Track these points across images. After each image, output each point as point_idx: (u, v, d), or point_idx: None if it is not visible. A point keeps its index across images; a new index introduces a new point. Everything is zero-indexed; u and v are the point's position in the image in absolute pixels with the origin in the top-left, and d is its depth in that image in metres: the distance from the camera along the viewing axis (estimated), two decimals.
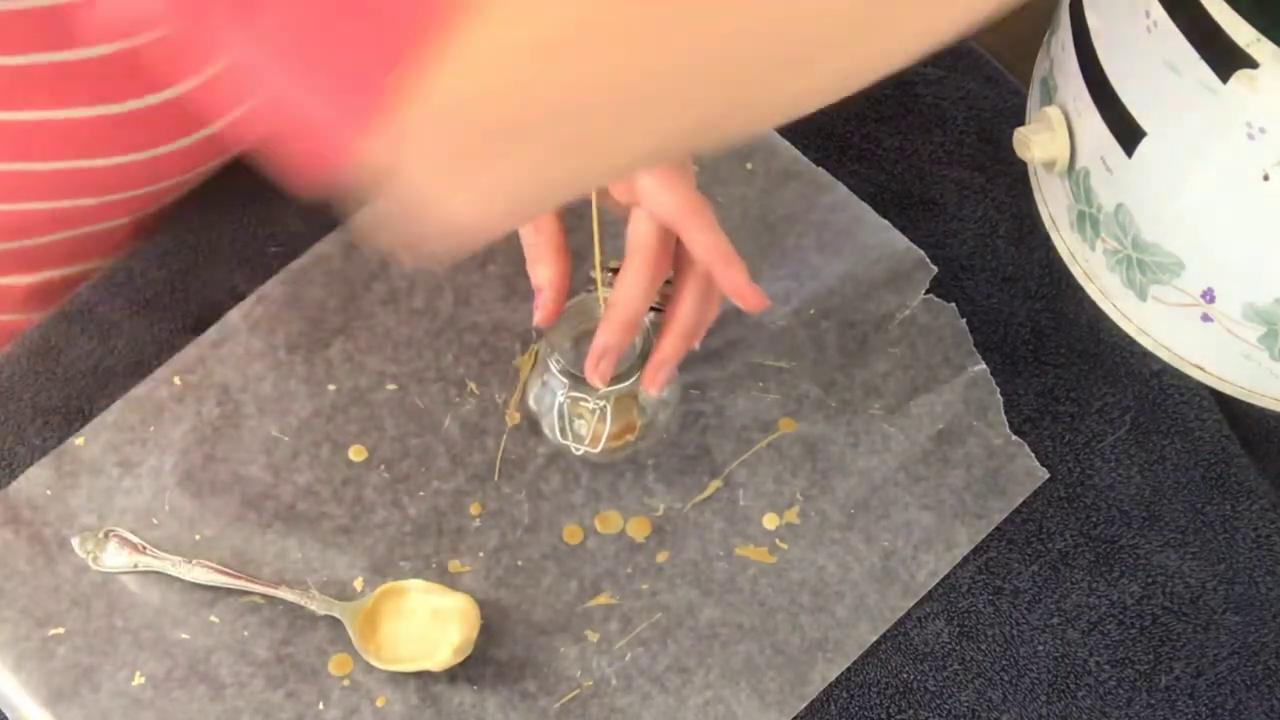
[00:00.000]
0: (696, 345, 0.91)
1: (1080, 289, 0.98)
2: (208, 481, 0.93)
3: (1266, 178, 0.82)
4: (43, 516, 0.92)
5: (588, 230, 0.87)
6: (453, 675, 0.90)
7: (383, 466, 0.94)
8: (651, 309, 0.92)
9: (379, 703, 0.89)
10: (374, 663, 0.89)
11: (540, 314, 0.89)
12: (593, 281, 0.90)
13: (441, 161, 0.55)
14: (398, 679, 0.89)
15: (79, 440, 0.94)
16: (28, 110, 0.88)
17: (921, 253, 1.01)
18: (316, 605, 0.90)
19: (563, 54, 0.53)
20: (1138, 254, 0.91)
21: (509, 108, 0.54)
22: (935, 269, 1.01)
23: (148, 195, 0.99)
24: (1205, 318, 0.90)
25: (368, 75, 0.53)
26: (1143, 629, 0.93)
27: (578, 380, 0.89)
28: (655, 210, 0.86)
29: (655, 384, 0.89)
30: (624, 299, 0.86)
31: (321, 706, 0.89)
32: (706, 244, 0.86)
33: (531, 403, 0.95)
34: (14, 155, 0.91)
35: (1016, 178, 1.03)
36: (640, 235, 0.87)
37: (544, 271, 0.89)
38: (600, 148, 0.57)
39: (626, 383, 0.89)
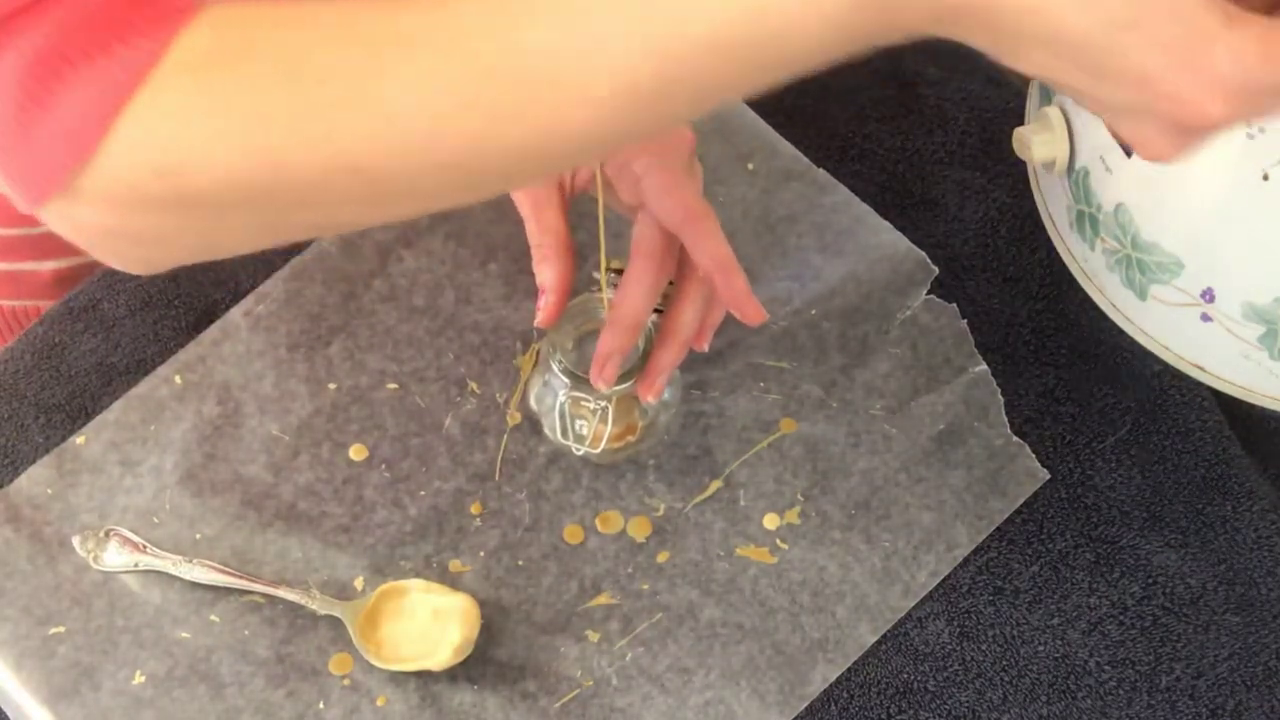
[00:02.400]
0: (705, 347, 0.91)
1: (1081, 289, 0.98)
2: (208, 480, 0.93)
3: (1266, 178, 0.82)
4: (44, 515, 0.92)
5: (590, 229, 0.88)
6: (453, 675, 0.90)
7: (383, 466, 0.94)
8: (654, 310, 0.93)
9: (379, 702, 0.89)
10: (374, 662, 0.89)
11: (542, 315, 0.89)
12: (597, 282, 0.90)
13: (115, 218, 0.63)
14: (398, 678, 0.89)
15: (80, 439, 0.94)
16: None
17: (922, 253, 1.01)
18: (317, 605, 0.90)
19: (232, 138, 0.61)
20: (1137, 254, 0.91)
21: (183, 179, 0.61)
22: (936, 269, 1.01)
23: None
24: (1205, 317, 0.90)
25: (46, 154, 0.61)
26: (1143, 629, 0.93)
27: (579, 380, 0.89)
28: (659, 215, 0.86)
29: (653, 391, 0.89)
30: (628, 302, 0.86)
31: (322, 706, 0.89)
32: (709, 252, 0.86)
33: (532, 402, 0.95)
34: None
35: (1018, 178, 1.03)
36: (645, 238, 0.87)
37: (548, 272, 0.89)
38: (273, 220, 0.65)
39: (628, 383, 0.89)
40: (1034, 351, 0.99)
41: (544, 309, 0.89)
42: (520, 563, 0.93)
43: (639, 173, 0.86)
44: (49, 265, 1.05)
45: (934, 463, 0.96)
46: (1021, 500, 0.95)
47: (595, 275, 0.91)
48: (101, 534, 0.92)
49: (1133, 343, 0.97)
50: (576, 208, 0.91)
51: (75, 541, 0.92)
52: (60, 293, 1.07)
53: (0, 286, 1.06)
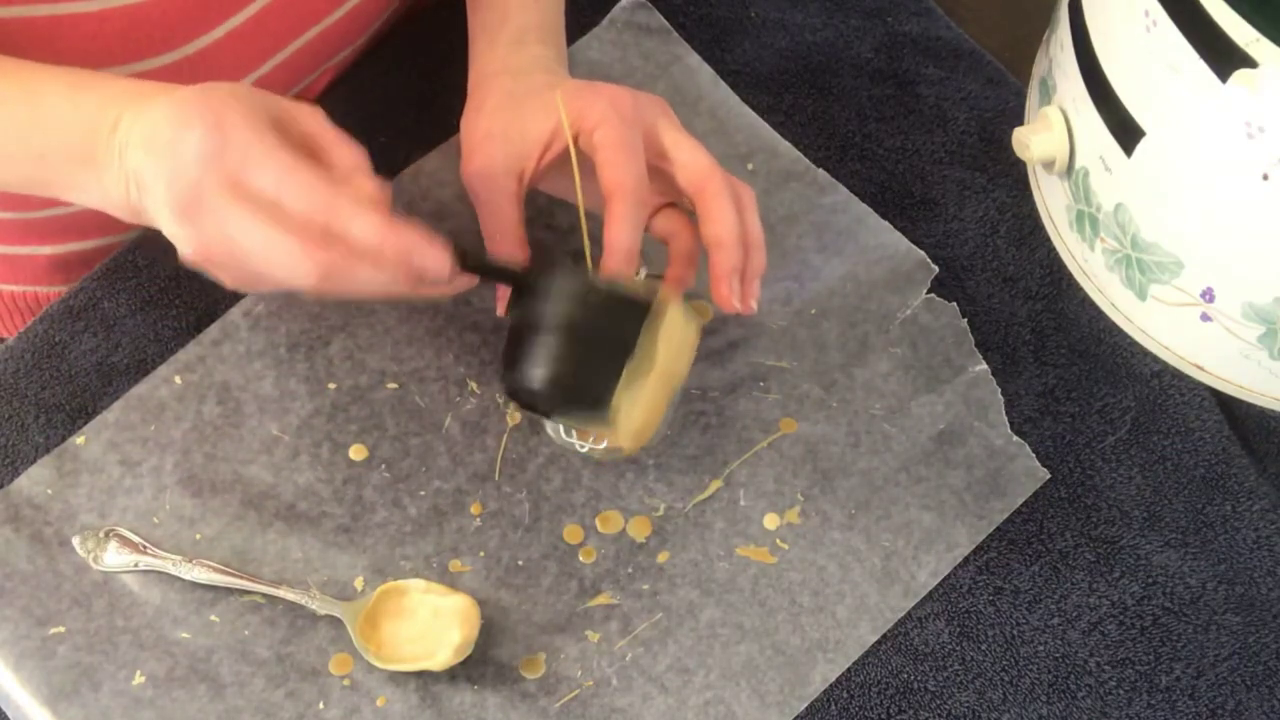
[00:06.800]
0: (751, 306, 0.90)
1: (1080, 289, 0.99)
2: (208, 481, 0.93)
3: (1266, 177, 0.82)
4: (43, 515, 0.92)
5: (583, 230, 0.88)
6: (453, 675, 0.90)
7: (383, 466, 0.94)
8: (655, 276, 0.92)
9: (379, 702, 0.89)
10: (374, 662, 0.89)
11: (502, 305, 0.90)
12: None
13: None
14: (398, 679, 0.89)
15: (80, 439, 0.94)
16: None
17: (922, 253, 1.01)
18: (317, 605, 0.90)
19: None
20: (1137, 253, 0.91)
21: None
22: (936, 269, 1.01)
23: None
24: (1205, 317, 0.90)
25: None
26: (1143, 629, 0.93)
27: None
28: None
29: (742, 298, 0.89)
30: (612, 233, 0.86)
31: (322, 706, 0.89)
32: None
33: None
34: None
35: (1017, 178, 1.03)
36: (607, 180, 0.87)
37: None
38: None
39: None
40: (1034, 351, 0.99)
41: (502, 299, 0.89)
42: (520, 563, 0.93)
43: (595, 142, 0.87)
44: (46, 250, 1.05)
45: (934, 463, 0.96)
46: (1021, 500, 0.95)
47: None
48: (101, 534, 0.92)
49: (1133, 343, 0.97)
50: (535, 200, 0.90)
51: (75, 541, 0.92)
52: (57, 278, 1.07)
53: None
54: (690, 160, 0.88)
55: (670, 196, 0.90)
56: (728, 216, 0.87)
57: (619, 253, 0.85)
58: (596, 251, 0.87)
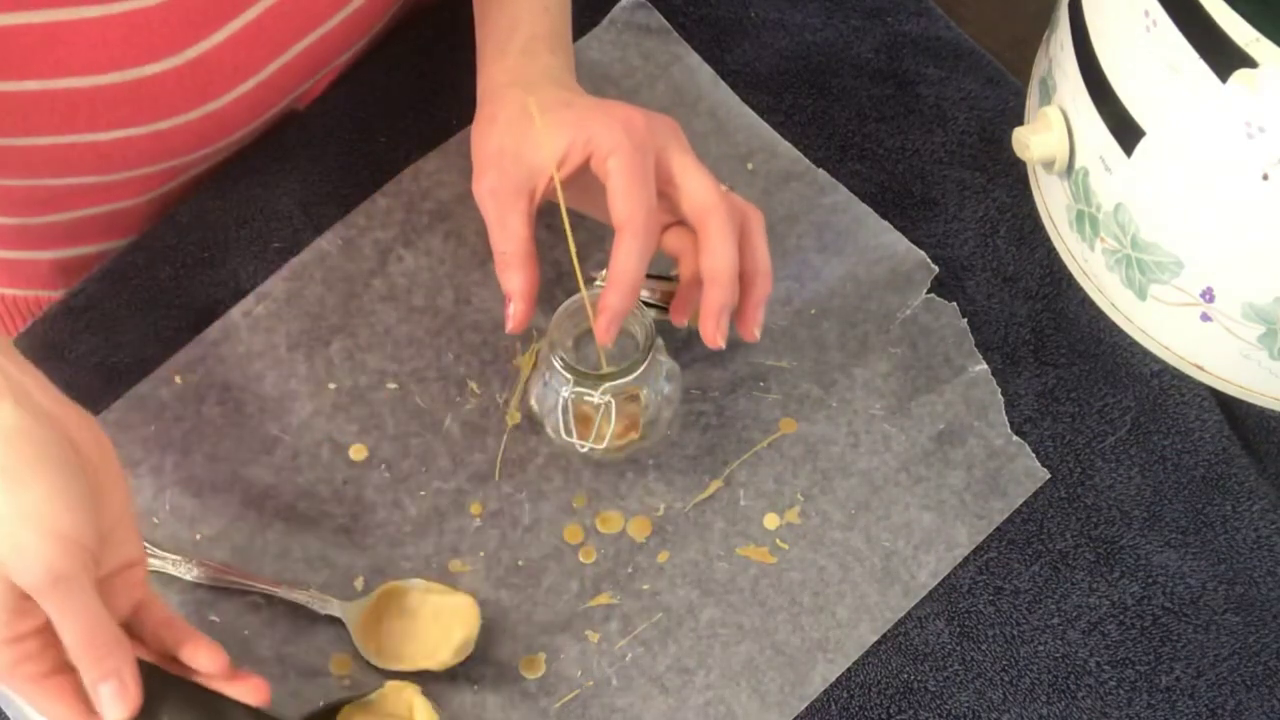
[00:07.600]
0: (756, 334, 0.92)
1: (1080, 289, 0.99)
2: (208, 481, 0.93)
3: (1266, 177, 0.82)
4: None
5: (585, 232, 0.88)
6: (453, 675, 0.90)
7: (383, 466, 0.94)
8: (654, 306, 0.93)
9: None
10: (374, 662, 0.89)
11: (511, 323, 0.90)
12: (588, 281, 0.90)
13: None
14: (398, 678, 0.89)
15: None
16: (27, 80, 0.88)
17: (922, 253, 1.01)
18: (317, 605, 0.90)
19: None
20: (1137, 253, 0.91)
21: None
22: (936, 269, 1.01)
23: (156, 174, 0.99)
24: (1205, 317, 0.90)
25: None
26: (1143, 629, 0.93)
27: (582, 377, 0.89)
28: (610, 212, 0.88)
29: (748, 327, 0.91)
30: (618, 265, 0.87)
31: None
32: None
33: (534, 403, 0.95)
34: (16, 130, 0.91)
35: (1017, 178, 1.03)
36: (617, 211, 0.88)
37: (513, 279, 0.90)
38: None
39: (629, 378, 0.89)
40: (1034, 351, 0.99)
41: (513, 316, 0.90)
42: (520, 563, 0.93)
43: (608, 169, 0.87)
44: (47, 255, 1.05)
45: (934, 463, 0.96)
46: (1021, 500, 0.95)
47: (590, 276, 0.91)
48: None
49: (1133, 343, 0.97)
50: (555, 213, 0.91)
51: None
52: (59, 282, 1.07)
53: None
54: (696, 189, 0.88)
55: (677, 217, 0.91)
56: (726, 251, 0.88)
57: (623, 283, 0.86)
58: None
